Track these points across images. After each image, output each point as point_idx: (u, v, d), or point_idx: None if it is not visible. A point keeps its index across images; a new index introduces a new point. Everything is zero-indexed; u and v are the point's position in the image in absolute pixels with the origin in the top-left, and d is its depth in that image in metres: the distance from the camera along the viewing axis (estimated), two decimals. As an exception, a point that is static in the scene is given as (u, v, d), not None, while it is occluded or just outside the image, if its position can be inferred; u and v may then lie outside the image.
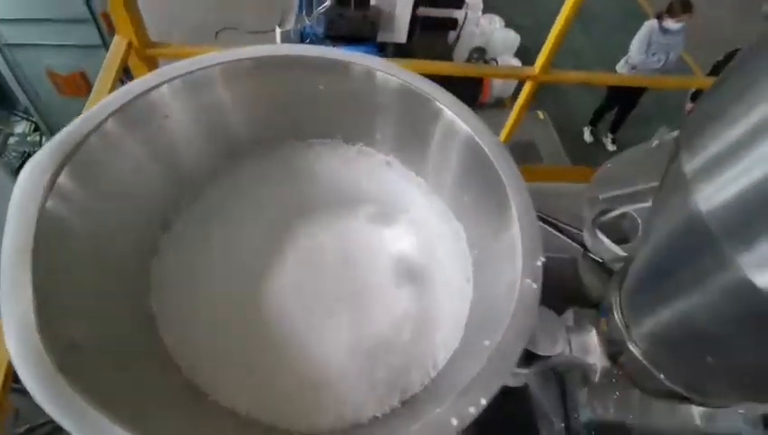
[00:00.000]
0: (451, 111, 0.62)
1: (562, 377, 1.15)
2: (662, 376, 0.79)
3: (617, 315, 0.85)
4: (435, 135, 0.67)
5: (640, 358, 0.81)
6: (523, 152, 2.84)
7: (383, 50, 3.65)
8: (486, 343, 0.45)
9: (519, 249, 0.51)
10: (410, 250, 0.69)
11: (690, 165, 0.57)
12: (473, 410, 0.41)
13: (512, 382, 1.03)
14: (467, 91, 3.58)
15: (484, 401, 0.41)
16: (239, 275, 0.65)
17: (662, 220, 0.66)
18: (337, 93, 0.70)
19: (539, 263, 0.50)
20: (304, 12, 3.81)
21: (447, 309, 0.64)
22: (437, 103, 0.63)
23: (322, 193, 0.75)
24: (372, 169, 0.75)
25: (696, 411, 1.04)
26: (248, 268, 0.65)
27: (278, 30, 3.97)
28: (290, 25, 4.16)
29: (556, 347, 0.90)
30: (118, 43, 1.69)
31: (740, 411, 1.01)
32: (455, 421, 0.39)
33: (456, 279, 0.65)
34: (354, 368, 0.57)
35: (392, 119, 0.72)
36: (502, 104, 4.11)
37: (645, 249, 0.73)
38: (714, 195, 0.53)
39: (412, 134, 0.71)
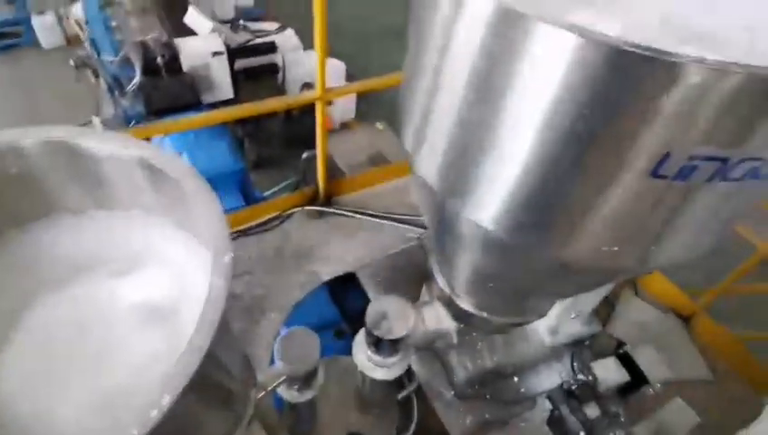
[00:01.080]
0: (105, 146, 0.62)
1: (439, 353, 1.24)
2: (486, 315, 0.91)
3: (439, 280, 0.96)
4: (115, 174, 0.65)
5: (468, 307, 0.93)
6: (373, 162, 3.03)
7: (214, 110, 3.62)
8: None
9: (211, 251, 0.53)
10: (158, 292, 0.69)
11: (406, 142, 0.68)
12: (155, 413, 0.40)
13: (394, 374, 1.05)
14: (308, 125, 3.71)
15: (166, 400, 0.41)
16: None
17: (418, 193, 0.77)
18: (28, 171, 0.65)
19: (227, 259, 0.52)
20: (116, 93, 3.61)
21: None
22: (86, 145, 0.62)
23: (52, 272, 0.70)
24: (111, 229, 0.73)
25: (542, 331, 1.21)
26: None
27: (95, 119, 3.70)
28: (108, 110, 3.91)
29: (408, 324, 0.94)
30: None
31: (572, 316, 1.20)
32: (134, 431, 0.39)
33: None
34: (98, 423, 0.57)
35: (92, 176, 0.67)
36: (348, 126, 4.41)
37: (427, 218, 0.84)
38: (424, 162, 0.64)
39: (112, 182, 0.67)
